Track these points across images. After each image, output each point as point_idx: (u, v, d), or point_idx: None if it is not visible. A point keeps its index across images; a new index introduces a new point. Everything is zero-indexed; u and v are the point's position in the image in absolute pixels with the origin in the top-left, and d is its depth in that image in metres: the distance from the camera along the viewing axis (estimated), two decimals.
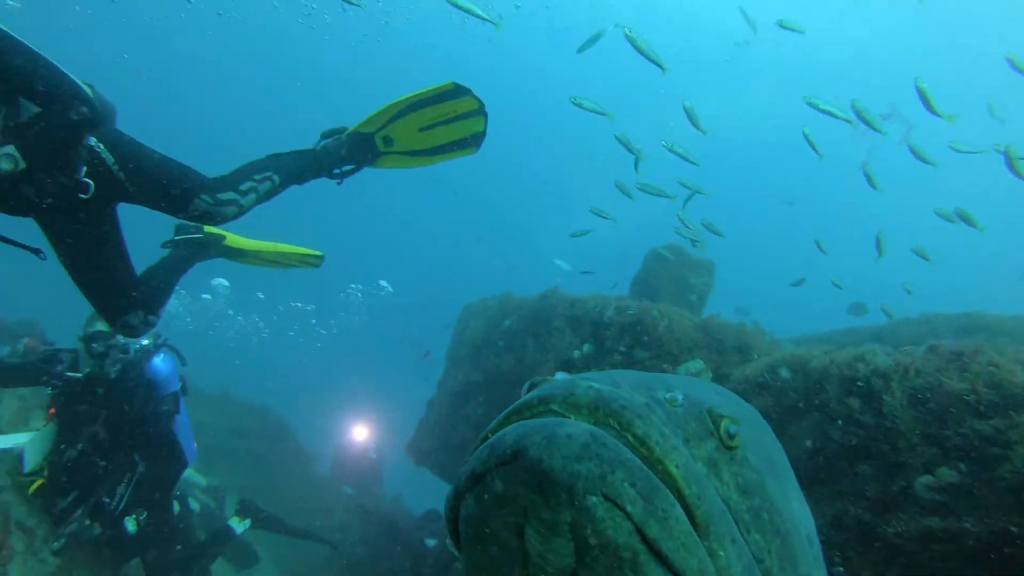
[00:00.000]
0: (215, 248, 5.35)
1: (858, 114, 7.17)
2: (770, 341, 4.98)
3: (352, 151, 4.69)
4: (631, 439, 1.09)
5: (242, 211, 4.20)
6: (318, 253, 6.06)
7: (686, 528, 1.06)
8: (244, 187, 4.19)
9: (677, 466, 1.10)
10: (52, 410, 5.46)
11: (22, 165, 3.19)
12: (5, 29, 3.26)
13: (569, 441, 1.02)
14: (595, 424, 1.10)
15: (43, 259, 3.76)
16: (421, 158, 4.90)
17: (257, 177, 4.30)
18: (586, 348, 6.08)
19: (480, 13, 7.34)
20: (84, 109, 3.35)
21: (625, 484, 1.03)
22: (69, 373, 5.34)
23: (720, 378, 4.83)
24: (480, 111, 4.67)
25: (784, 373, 4.13)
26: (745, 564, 1.13)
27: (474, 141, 4.80)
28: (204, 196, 3.99)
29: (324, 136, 4.73)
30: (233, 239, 5.50)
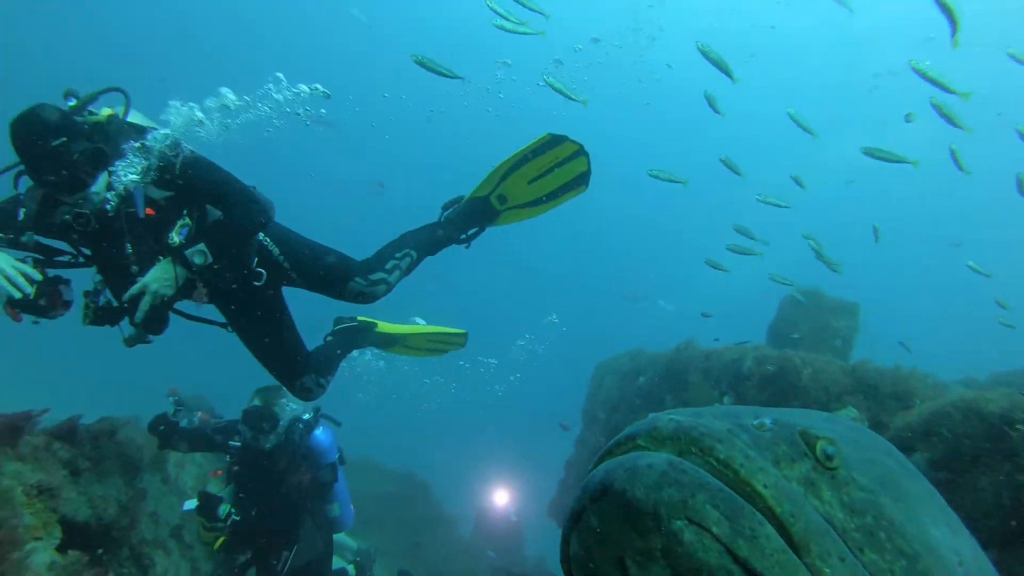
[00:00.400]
0: (369, 335, 5.88)
1: None
2: (934, 384, 4.61)
3: (473, 215, 5.07)
4: (715, 463, 1.12)
5: (390, 288, 4.66)
6: (461, 331, 6.42)
7: (779, 545, 1.06)
8: (389, 266, 4.66)
9: (765, 485, 1.11)
10: (218, 472, 6.04)
11: (210, 259, 3.77)
12: (197, 152, 3.94)
13: (649, 470, 1.08)
14: (678, 453, 1.14)
15: (230, 332, 4.38)
16: (537, 207, 5.15)
17: (398, 255, 4.77)
18: (726, 401, 5.89)
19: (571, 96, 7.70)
20: (257, 212, 3.92)
21: (707, 506, 1.06)
22: (234, 443, 5.91)
23: (878, 426, 4.50)
24: (580, 152, 4.87)
25: (956, 418, 3.81)
26: None
27: (582, 180, 5.00)
28: (358, 278, 4.51)
29: (445, 207, 5.15)
30: (383, 326, 6.02)
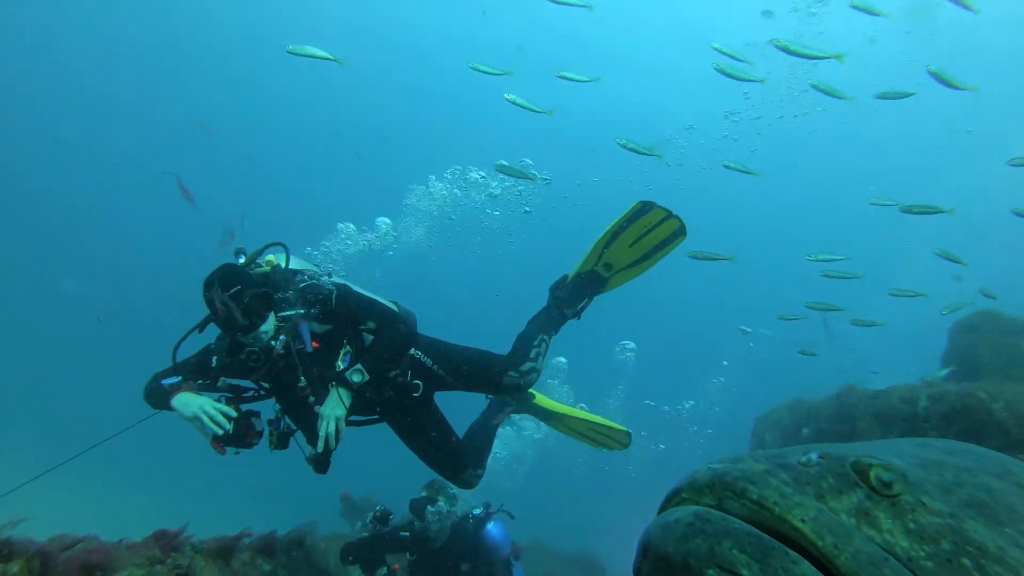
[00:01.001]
0: (525, 404, 6.11)
1: None
2: None
3: (583, 289, 5.37)
4: (750, 505, 1.13)
5: (539, 374, 4.99)
6: (625, 429, 6.41)
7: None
8: (533, 354, 4.96)
9: (803, 520, 1.11)
10: (396, 566, 6.29)
11: (367, 377, 4.18)
12: (346, 284, 4.48)
13: (676, 524, 1.13)
14: (718, 500, 1.17)
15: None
16: (643, 264, 5.41)
17: (535, 343, 5.07)
18: None
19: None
20: (403, 331, 4.34)
21: (734, 551, 1.07)
22: (404, 533, 6.15)
23: None
24: (670, 215, 5.15)
25: None
26: None
27: (680, 231, 5.26)
28: (511, 372, 4.80)
29: (554, 289, 5.46)
30: (540, 399, 6.24)
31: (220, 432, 4.07)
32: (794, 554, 1.09)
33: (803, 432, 7.54)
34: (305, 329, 4.32)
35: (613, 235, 5.27)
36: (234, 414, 4.19)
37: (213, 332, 4.47)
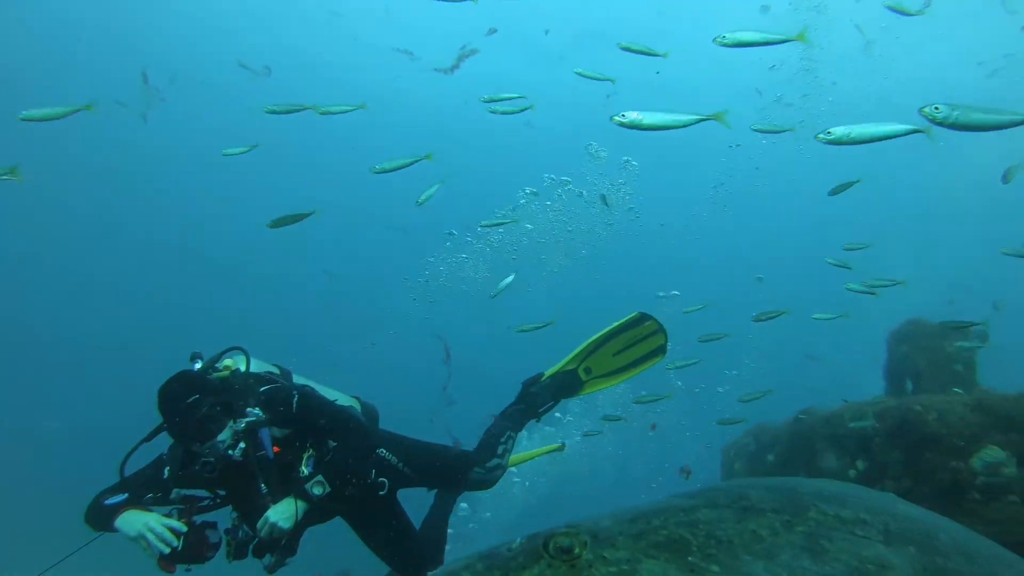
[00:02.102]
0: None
1: None
2: None
3: (558, 389, 5.55)
4: None
5: (504, 471, 5.11)
6: (557, 446, 6.55)
7: None
8: (499, 450, 5.11)
9: None
10: None
11: (328, 489, 4.14)
12: (306, 388, 4.50)
13: None
14: None
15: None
16: (618, 376, 5.67)
17: (503, 439, 5.26)
18: (860, 465, 5.54)
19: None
20: (364, 442, 4.35)
21: None
22: None
23: None
24: (660, 329, 5.56)
25: None
26: None
27: (661, 350, 5.62)
28: (477, 468, 4.87)
29: (528, 385, 5.60)
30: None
31: (167, 550, 3.96)
32: None
33: (768, 459, 7.66)
34: (266, 435, 4.24)
35: (604, 339, 5.56)
36: (183, 529, 4.06)
37: (164, 440, 4.38)
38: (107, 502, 4.26)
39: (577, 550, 1.42)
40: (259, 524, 4.04)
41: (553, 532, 1.44)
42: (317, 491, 4.09)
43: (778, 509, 1.62)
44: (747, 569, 1.44)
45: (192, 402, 4.04)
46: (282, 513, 4.05)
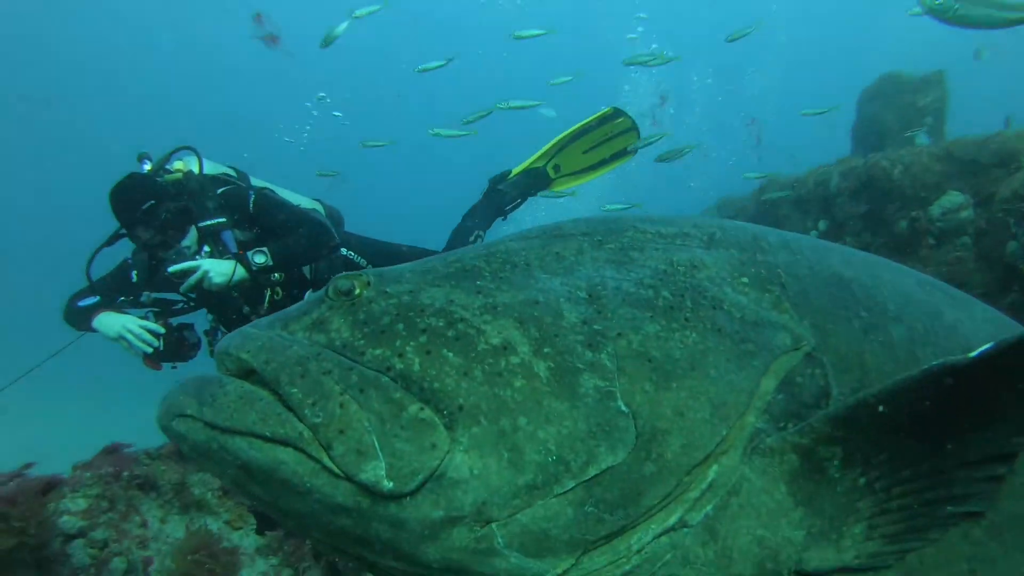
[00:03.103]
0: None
1: None
2: None
3: (526, 186, 5.41)
4: (231, 359, 1.31)
5: None
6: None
7: (235, 395, 1.22)
8: None
9: (248, 351, 1.28)
10: None
11: (271, 262, 4.00)
12: (264, 189, 4.31)
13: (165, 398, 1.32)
14: (223, 365, 1.35)
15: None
16: (587, 174, 5.56)
17: (471, 238, 5.13)
18: (821, 225, 5.66)
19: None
20: (324, 235, 4.15)
21: (180, 396, 1.26)
22: None
23: (987, 200, 4.20)
24: (633, 127, 5.33)
25: None
26: (352, 383, 1.21)
27: (632, 151, 5.47)
28: None
29: (494, 181, 5.42)
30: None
31: (149, 350, 4.01)
32: (225, 379, 1.27)
33: None
34: (229, 237, 4.09)
35: (574, 136, 5.34)
36: (162, 331, 4.08)
37: (126, 245, 4.26)
38: (80, 303, 4.22)
39: (358, 290, 1.37)
40: (196, 271, 3.85)
41: (337, 280, 1.39)
42: (259, 259, 3.95)
43: (590, 232, 1.56)
44: (542, 286, 1.39)
45: (148, 208, 3.83)
46: (219, 269, 3.91)
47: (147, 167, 4.16)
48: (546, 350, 1.27)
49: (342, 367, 1.24)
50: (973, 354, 1.15)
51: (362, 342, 1.29)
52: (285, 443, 1.18)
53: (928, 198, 4.53)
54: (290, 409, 1.20)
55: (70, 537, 2.50)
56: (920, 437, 1.25)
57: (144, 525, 2.73)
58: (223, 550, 2.58)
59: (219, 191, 4.14)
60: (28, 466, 2.68)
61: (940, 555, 1.37)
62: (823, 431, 1.26)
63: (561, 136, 5.40)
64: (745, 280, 1.47)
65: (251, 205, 4.15)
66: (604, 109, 5.39)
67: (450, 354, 1.25)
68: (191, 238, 4.02)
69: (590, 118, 5.37)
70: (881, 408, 1.22)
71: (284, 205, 4.27)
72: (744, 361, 1.33)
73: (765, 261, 1.53)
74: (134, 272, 4.25)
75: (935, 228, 4.31)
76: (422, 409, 1.20)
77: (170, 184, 4.07)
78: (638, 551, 1.24)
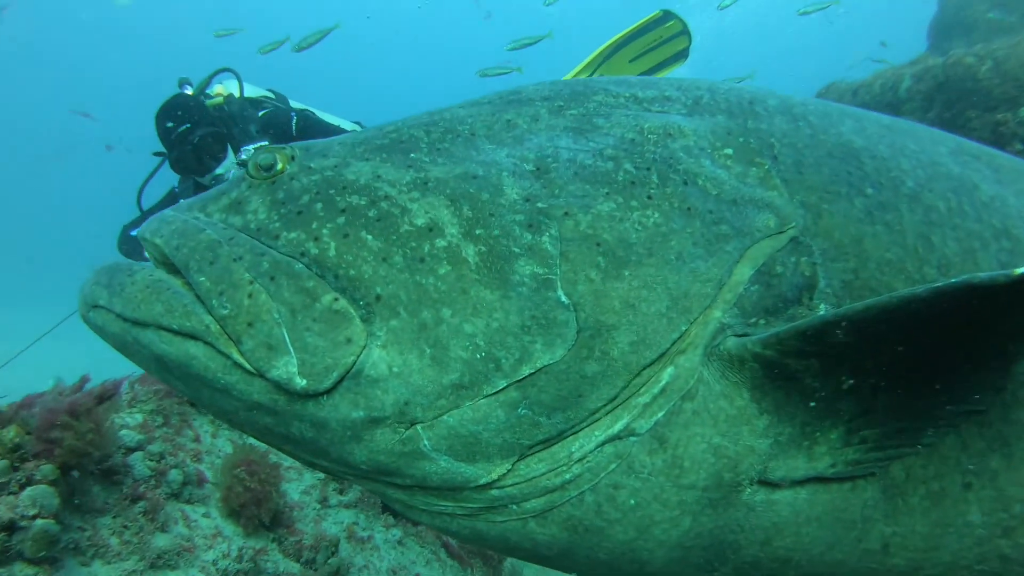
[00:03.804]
0: None
1: None
2: None
3: None
4: (149, 244, 1.23)
5: None
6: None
7: (143, 284, 1.14)
8: None
9: (160, 237, 1.20)
10: None
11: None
12: (306, 110, 4.33)
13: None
14: (148, 251, 1.28)
15: None
16: None
17: None
18: None
19: None
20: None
21: (94, 287, 1.19)
22: None
23: None
24: (684, 31, 4.99)
25: None
26: (260, 265, 1.11)
27: (684, 54, 5.11)
28: None
29: None
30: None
31: None
32: (134, 267, 1.20)
33: None
34: None
35: (620, 44, 5.04)
36: None
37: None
38: (133, 232, 4.38)
39: (280, 165, 1.23)
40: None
41: (255, 155, 1.26)
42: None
43: (552, 97, 1.36)
44: (484, 158, 1.21)
45: (184, 132, 3.87)
46: None
47: (188, 91, 4.19)
48: (478, 232, 1.11)
49: (255, 253, 1.13)
50: (995, 275, 0.92)
51: (277, 224, 1.16)
52: (193, 336, 1.09)
53: (1019, 98, 4.09)
54: (200, 300, 1.11)
55: (130, 450, 2.62)
56: (916, 361, 1.06)
57: (197, 440, 2.85)
58: (266, 465, 2.68)
59: (260, 114, 4.15)
60: (85, 380, 2.79)
61: (930, 467, 1.23)
62: (792, 346, 1.08)
63: (606, 44, 5.06)
64: (729, 151, 1.28)
65: (293, 127, 4.15)
66: (654, 12, 5.05)
67: (369, 237, 1.11)
68: (228, 163, 4.03)
69: (638, 23, 5.03)
70: (862, 329, 1.03)
71: (327, 127, 4.26)
72: (715, 246, 1.16)
73: (757, 129, 1.33)
74: (181, 200, 4.35)
75: None
76: (336, 300, 1.08)
77: (212, 108, 4.08)
78: (579, 459, 1.13)
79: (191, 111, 4.01)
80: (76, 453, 2.29)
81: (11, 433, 2.14)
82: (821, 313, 1.15)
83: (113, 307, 1.14)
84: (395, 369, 1.06)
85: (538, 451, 1.13)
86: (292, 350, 1.06)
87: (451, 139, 1.26)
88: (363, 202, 1.15)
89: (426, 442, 1.10)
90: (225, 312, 1.08)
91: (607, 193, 1.16)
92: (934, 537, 1.26)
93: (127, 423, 2.74)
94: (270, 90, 4.68)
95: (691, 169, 1.22)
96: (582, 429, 1.12)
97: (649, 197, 1.17)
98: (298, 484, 3.05)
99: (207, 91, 4.28)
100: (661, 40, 5.06)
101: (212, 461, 2.82)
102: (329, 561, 2.75)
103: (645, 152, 1.23)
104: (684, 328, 1.11)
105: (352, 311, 1.08)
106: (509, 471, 1.13)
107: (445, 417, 1.08)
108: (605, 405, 1.11)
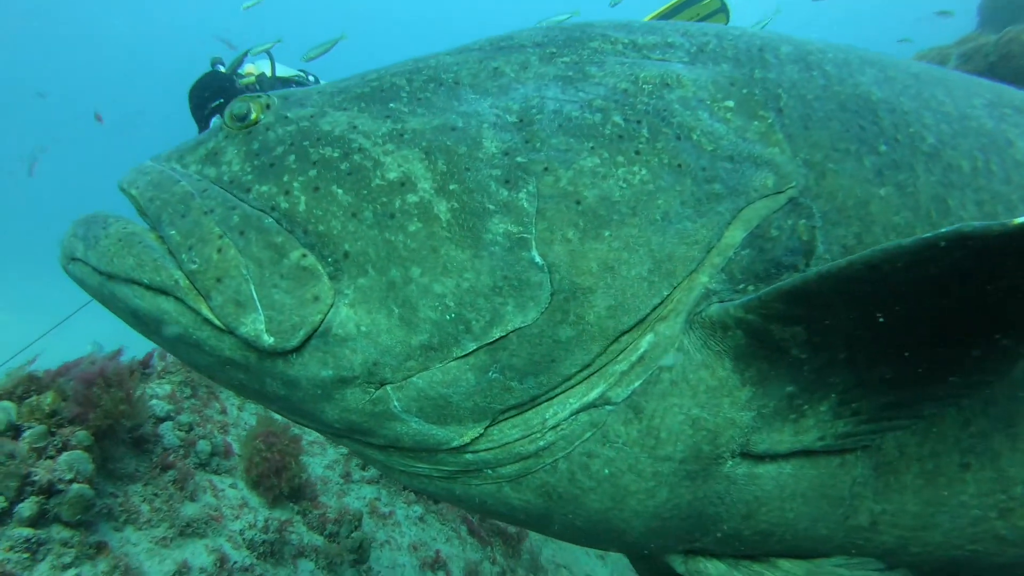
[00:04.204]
0: None
1: None
2: None
3: None
4: (129, 198, 1.20)
5: None
6: None
7: (115, 238, 1.12)
8: None
9: (136, 188, 1.17)
10: None
11: None
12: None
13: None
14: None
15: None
16: None
17: None
18: None
19: None
20: None
21: (72, 239, 1.16)
22: None
23: None
24: (723, 8, 4.99)
25: None
26: (230, 218, 1.09)
27: None
28: None
29: None
30: None
31: None
32: (110, 219, 1.17)
33: None
34: None
35: (660, 19, 5.02)
36: None
37: None
38: None
39: (255, 115, 1.19)
40: None
41: (230, 106, 1.22)
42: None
43: (544, 43, 1.28)
44: (466, 109, 1.15)
45: (216, 107, 3.96)
46: None
47: (221, 70, 4.26)
48: (452, 187, 1.07)
49: (226, 206, 1.10)
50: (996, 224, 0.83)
51: (250, 177, 1.13)
52: (164, 292, 1.08)
53: None
54: (171, 254, 1.10)
55: (160, 420, 2.69)
56: (912, 325, 0.97)
57: (223, 412, 2.91)
58: (286, 437, 2.72)
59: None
60: (120, 352, 2.86)
61: (926, 445, 1.17)
62: (775, 309, 1.01)
63: (652, 15, 5.04)
64: (730, 103, 1.19)
65: None
66: None
67: (340, 191, 1.08)
68: None
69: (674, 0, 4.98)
70: (846, 286, 0.94)
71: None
72: (706, 206, 1.09)
73: (764, 79, 1.23)
74: None
75: None
76: (304, 256, 1.06)
77: (244, 86, 4.16)
78: (553, 427, 1.10)
79: (223, 88, 4.08)
80: (110, 418, 2.35)
81: (48, 399, 2.21)
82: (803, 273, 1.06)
83: (89, 260, 1.13)
84: (363, 328, 1.04)
85: (511, 416, 1.11)
86: (260, 307, 1.05)
87: (433, 88, 1.20)
88: (336, 154, 1.11)
89: (396, 403, 1.08)
90: (194, 267, 1.07)
91: (592, 148, 1.11)
92: (926, 516, 1.22)
93: (156, 393, 2.80)
94: (301, 70, 4.72)
95: (686, 123, 1.15)
96: (556, 396, 1.09)
97: (637, 152, 1.11)
98: (321, 459, 3.11)
99: (239, 71, 4.35)
100: (699, 17, 5.02)
101: (238, 433, 2.88)
102: (352, 535, 2.80)
103: (637, 104, 1.16)
104: (666, 293, 1.06)
105: (320, 268, 1.05)
106: (482, 435, 1.11)
107: (414, 379, 1.06)
108: (580, 372, 1.07)
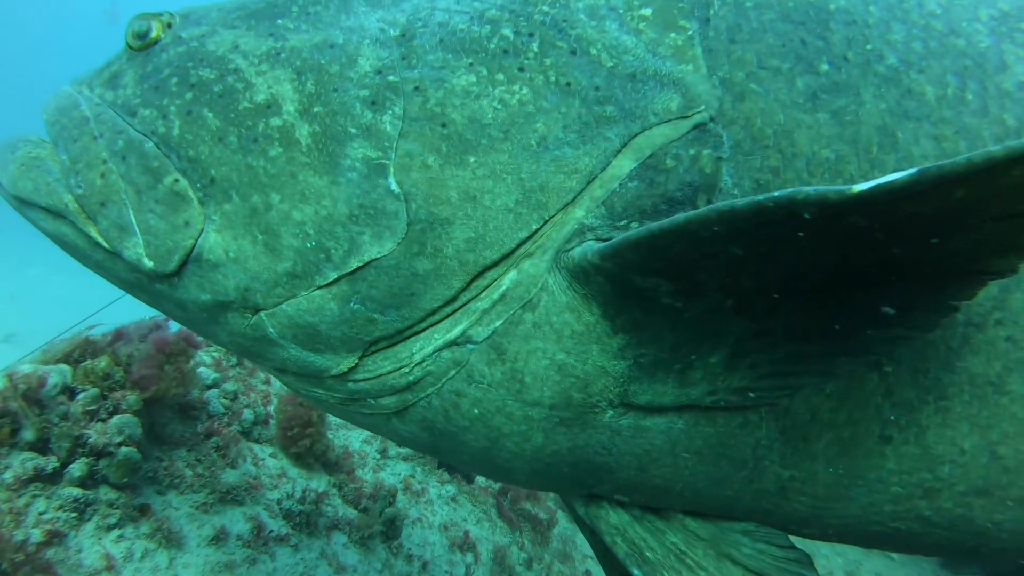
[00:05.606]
0: None
1: None
2: None
3: None
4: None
5: None
6: None
7: (20, 162, 1.13)
8: None
9: (46, 112, 1.18)
10: None
11: None
12: None
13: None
14: None
15: None
16: None
17: None
18: None
19: None
20: None
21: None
22: None
23: None
24: None
25: None
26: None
27: None
28: None
29: None
30: None
31: None
32: (19, 143, 1.17)
33: None
34: None
35: None
36: None
37: None
38: None
39: (155, 34, 1.16)
40: None
41: (132, 21, 1.20)
42: None
43: None
44: (351, 23, 1.09)
45: None
46: None
47: None
48: (316, 109, 1.02)
49: (114, 131, 1.10)
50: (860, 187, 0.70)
51: (138, 101, 1.12)
52: (60, 215, 1.11)
53: None
54: (64, 177, 1.12)
55: (206, 387, 2.76)
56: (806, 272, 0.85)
57: (267, 382, 2.97)
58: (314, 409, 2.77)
59: None
60: (165, 320, 2.94)
61: (842, 411, 1.06)
62: (630, 259, 0.91)
63: None
64: (647, 12, 1.06)
65: None
66: None
67: (210, 115, 1.06)
68: None
69: None
70: (695, 245, 0.83)
71: None
72: (593, 131, 0.99)
73: None
74: None
75: None
76: (176, 181, 1.06)
77: None
78: (419, 362, 1.07)
79: None
80: (166, 385, 2.43)
81: (103, 363, 2.28)
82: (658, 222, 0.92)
83: (4, 185, 1.16)
84: (231, 254, 1.05)
85: (382, 348, 1.09)
86: (138, 231, 1.07)
87: (326, 2, 1.15)
88: (212, 76, 1.09)
89: (271, 329, 1.08)
90: (80, 191, 1.09)
91: (470, 64, 1.02)
92: (839, 488, 1.13)
93: (203, 360, 2.88)
94: None
95: (586, 35, 1.04)
96: (423, 330, 1.06)
97: (520, 69, 1.02)
98: (359, 433, 3.15)
99: None
100: None
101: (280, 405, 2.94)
102: (386, 511, 2.84)
103: (535, 14, 1.05)
104: (536, 227, 0.99)
105: (191, 193, 1.06)
106: (357, 365, 1.11)
107: (283, 306, 1.06)
108: (444, 307, 1.03)
